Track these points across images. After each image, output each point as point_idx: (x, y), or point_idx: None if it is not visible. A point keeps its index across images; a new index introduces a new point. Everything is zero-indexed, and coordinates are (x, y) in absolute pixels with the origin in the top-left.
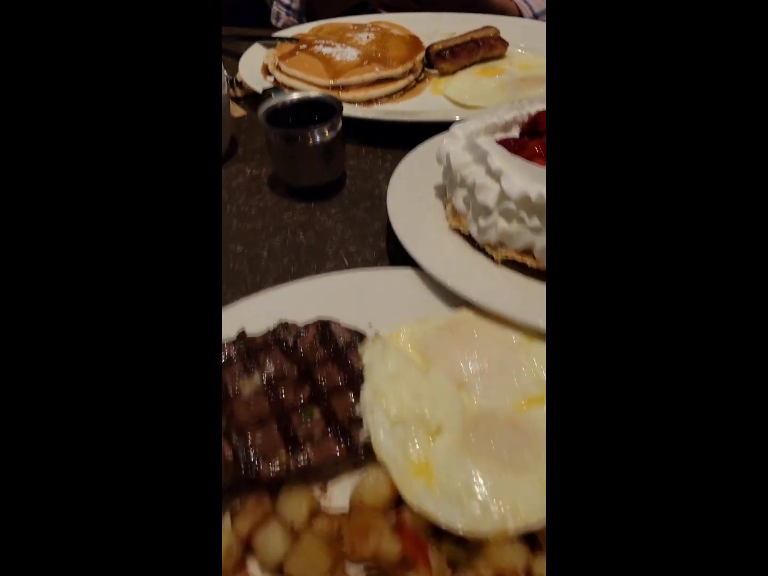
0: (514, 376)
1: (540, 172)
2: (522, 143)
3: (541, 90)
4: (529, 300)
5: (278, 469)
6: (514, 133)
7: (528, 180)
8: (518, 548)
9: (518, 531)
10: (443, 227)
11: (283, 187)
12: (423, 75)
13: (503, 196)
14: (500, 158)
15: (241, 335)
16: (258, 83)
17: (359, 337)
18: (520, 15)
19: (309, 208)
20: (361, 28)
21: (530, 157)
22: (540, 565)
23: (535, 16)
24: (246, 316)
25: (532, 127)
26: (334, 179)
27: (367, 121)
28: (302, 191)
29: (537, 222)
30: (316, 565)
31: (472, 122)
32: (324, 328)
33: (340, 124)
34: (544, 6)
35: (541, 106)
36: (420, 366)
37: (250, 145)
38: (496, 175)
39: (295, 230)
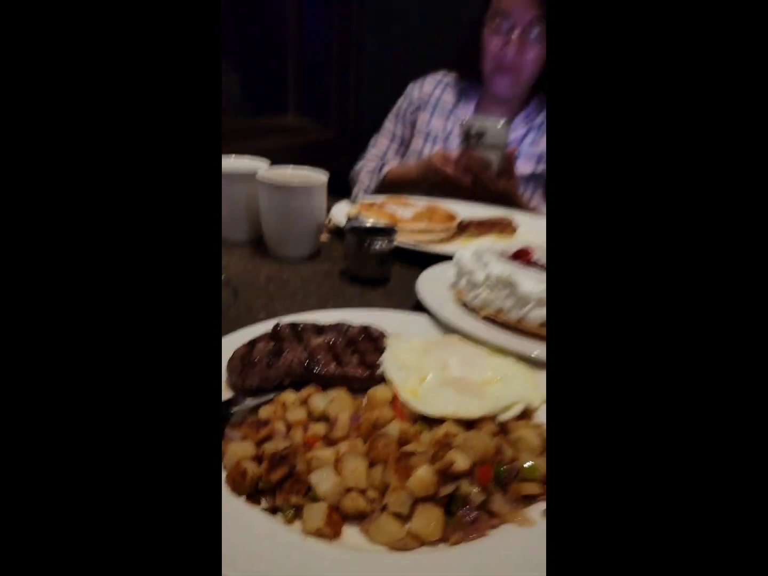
0: (478, 367)
1: (512, 264)
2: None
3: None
4: (495, 333)
5: (329, 369)
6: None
7: (506, 268)
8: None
9: (462, 416)
10: (450, 300)
11: (348, 277)
12: (455, 235)
13: (488, 276)
14: (490, 257)
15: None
16: (343, 220)
17: (385, 334)
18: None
19: (363, 291)
20: (418, 200)
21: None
22: (508, 450)
23: None
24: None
25: (516, 255)
26: (384, 277)
27: (410, 251)
28: (361, 280)
29: (507, 292)
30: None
31: (480, 246)
32: (365, 327)
33: (394, 243)
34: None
35: (526, 246)
36: (419, 351)
37: (329, 253)
38: (485, 265)
39: (349, 301)
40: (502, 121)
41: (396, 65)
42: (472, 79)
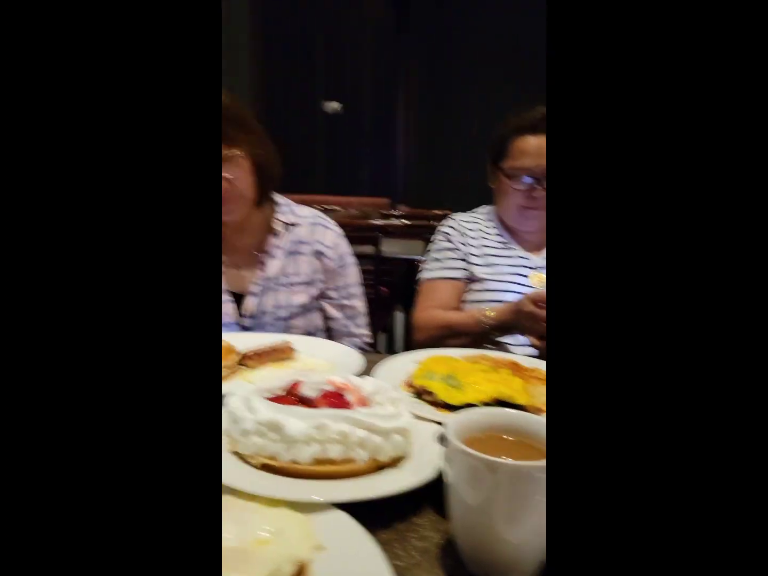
0: (251, 528)
1: (277, 406)
2: (279, 398)
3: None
4: (267, 481)
5: None
6: (279, 392)
7: (271, 411)
8: None
9: None
10: (225, 451)
11: None
12: (236, 369)
13: (256, 422)
14: (257, 401)
15: None
16: None
17: None
18: None
19: None
20: None
21: (281, 402)
22: None
23: None
24: None
25: (288, 391)
26: None
27: None
28: None
29: (275, 436)
30: None
31: (250, 387)
32: None
33: None
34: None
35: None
36: None
37: None
38: (252, 410)
39: None
40: None
41: None
42: None
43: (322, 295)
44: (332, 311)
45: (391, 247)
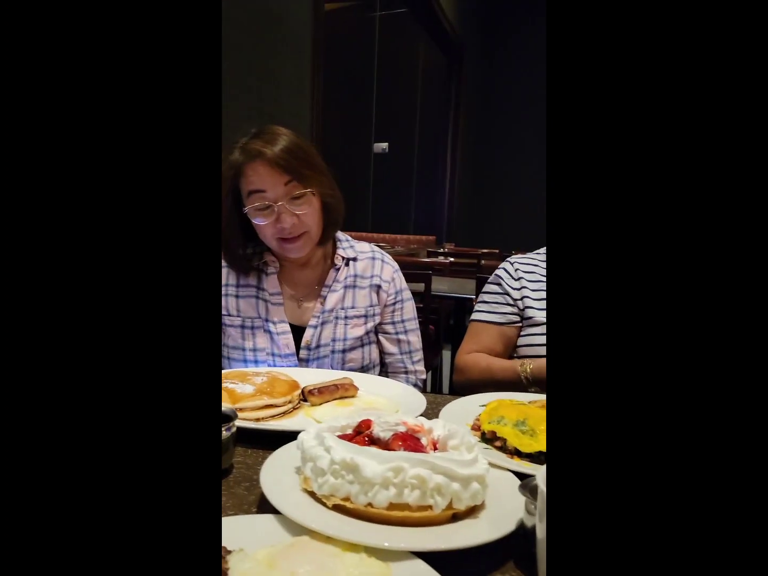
0: (329, 572)
1: (353, 446)
2: (349, 436)
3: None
4: (344, 524)
5: None
6: (348, 431)
7: (347, 452)
8: None
9: None
10: (297, 489)
11: None
12: (299, 404)
13: (332, 462)
14: (332, 440)
15: None
16: None
17: (227, 549)
18: None
19: None
20: (257, 374)
21: (353, 441)
22: None
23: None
24: None
25: (357, 430)
26: (225, 468)
27: (254, 430)
28: None
29: (351, 477)
30: None
31: (321, 425)
32: None
33: (234, 428)
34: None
35: (363, 418)
36: (265, 566)
37: None
38: (328, 450)
39: None
40: None
41: None
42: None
43: (379, 329)
44: (388, 346)
45: (438, 285)
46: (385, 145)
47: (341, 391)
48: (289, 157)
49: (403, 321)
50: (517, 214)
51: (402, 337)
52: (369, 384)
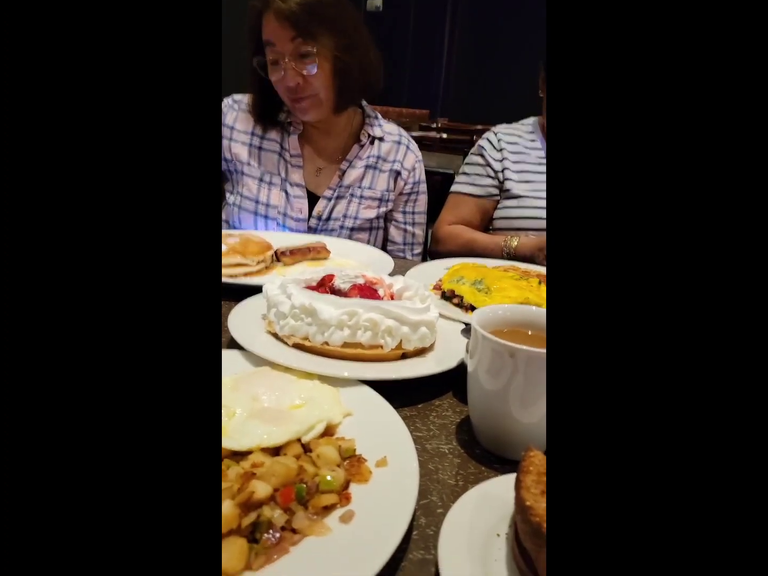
0: (286, 393)
1: (312, 293)
2: (312, 288)
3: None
4: (303, 358)
5: None
6: (313, 285)
7: (306, 298)
8: None
9: (268, 444)
10: (262, 331)
11: None
12: (271, 264)
13: (293, 306)
14: (293, 288)
15: None
16: None
17: None
18: None
19: None
20: (231, 235)
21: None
22: (310, 468)
23: None
24: None
25: (321, 283)
26: None
27: (226, 286)
28: None
29: (310, 320)
30: None
31: (286, 278)
32: None
33: None
34: None
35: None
36: (229, 389)
37: None
38: (289, 296)
39: None
40: None
41: None
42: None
43: (388, 216)
44: (394, 234)
45: (428, 161)
46: (379, 2)
47: (313, 254)
48: (302, 11)
49: (413, 213)
50: (518, 91)
51: (409, 228)
52: (341, 247)
